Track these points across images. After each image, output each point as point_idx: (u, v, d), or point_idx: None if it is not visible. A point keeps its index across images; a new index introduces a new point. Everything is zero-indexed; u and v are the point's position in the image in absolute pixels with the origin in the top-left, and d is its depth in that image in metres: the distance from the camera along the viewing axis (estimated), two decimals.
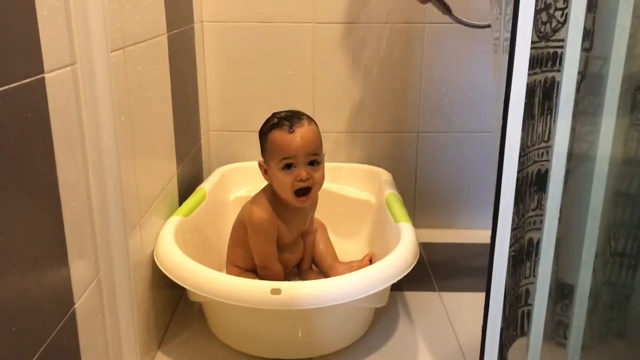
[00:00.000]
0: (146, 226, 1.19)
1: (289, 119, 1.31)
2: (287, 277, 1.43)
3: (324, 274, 1.47)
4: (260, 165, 1.36)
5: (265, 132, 1.33)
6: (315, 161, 1.31)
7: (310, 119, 1.33)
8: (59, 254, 0.80)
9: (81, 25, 0.83)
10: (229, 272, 1.42)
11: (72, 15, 0.81)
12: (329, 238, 1.54)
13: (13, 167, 0.68)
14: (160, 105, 1.29)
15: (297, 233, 1.42)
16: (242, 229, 1.39)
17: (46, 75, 0.75)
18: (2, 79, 0.65)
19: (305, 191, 1.31)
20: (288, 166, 1.29)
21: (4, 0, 0.66)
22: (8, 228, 0.67)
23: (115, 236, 0.93)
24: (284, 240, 1.38)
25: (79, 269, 0.85)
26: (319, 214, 1.57)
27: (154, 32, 1.23)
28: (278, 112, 1.35)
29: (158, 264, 1.22)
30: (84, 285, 0.87)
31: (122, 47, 1.03)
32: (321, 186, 1.35)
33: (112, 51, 0.92)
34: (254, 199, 1.38)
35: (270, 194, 1.37)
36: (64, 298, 0.82)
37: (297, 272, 1.50)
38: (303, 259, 1.49)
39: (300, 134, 1.28)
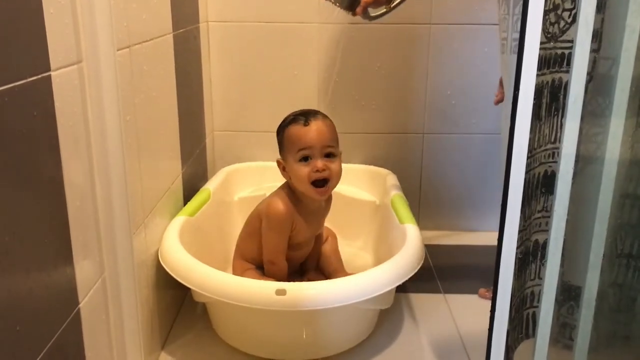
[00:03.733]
0: (151, 226, 1.19)
1: (305, 114, 1.34)
2: (290, 276, 1.43)
3: (327, 278, 1.46)
4: (278, 162, 1.37)
5: (281, 129, 1.36)
6: (331, 153, 1.32)
7: (325, 116, 1.36)
8: (63, 253, 0.80)
9: (87, 23, 0.82)
10: (235, 265, 1.43)
11: (79, 14, 0.81)
12: (337, 248, 1.54)
13: (19, 166, 0.68)
14: (165, 104, 1.29)
15: (311, 234, 1.42)
16: (257, 222, 1.40)
17: (52, 73, 0.75)
18: (9, 76, 0.65)
19: (323, 182, 1.32)
20: (305, 158, 1.31)
21: None
22: (13, 227, 0.66)
23: (120, 236, 0.93)
24: (297, 238, 1.38)
25: (83, 269, 0.85)
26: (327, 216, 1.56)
27: (159, 31, 1.23)
28: (293, 112, 1.37)
29: (162, 264, 1.22)
30: (89, 284, 0.87)
31: (128, 46, 1.02)
32: (339, 180, 1.35)
33: (118, 50, 0.92)
34: (274, 193, 1.40)
35: (288, 191, 1.37)
36: (69, 297, 0.81)
37: (299, 270, 1.49)
38: (308, 259, 1.48)
39: (316, 127, 1.31)
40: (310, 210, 1.38)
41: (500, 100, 1.37)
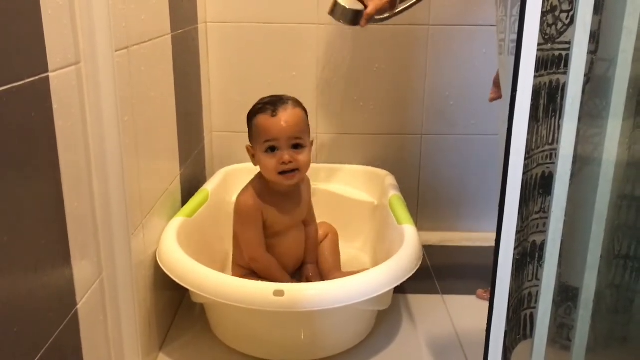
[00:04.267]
0: (149, 227, 1.19)
1: (273, 103, 1.32)
2: (292, 275, 1.42)
3: (323, 279, 1.46)
4: (248, 149, 1.37)
5: (250, 116, 1.35)
6: (299, 145, 1.31)
7: (297, 103, 1.33)
8: (61, 254, 0.80)
9: (86, 24, 0.82)
10: (233, 272, 1.42)
11: (77, 14, 0.81)
12: (337, 246, 1.53)
13: (17, 166, 0.68)
14: (163, 105, 1.29)
15: (291, 220, 1.40)
16: (234, 226, 1.40)
17: (50, 74, 0.75)
18: (7, 77, 0.65)
19: (290, 172, 1.31)
20: (272, 149, 1.30)
21: None
22: (11, 227, 0.66)
23: (118, 236, 0.93)
24: (275, 227, 1.37)
25: (81, 269, 0.85)
26: (325, 217, 1.56)
27: (158, 32, 1.23)
28: (265, 97, 1.36)
29: (161, 265, 1.21)
30: (87, 285, 0.87)
31: (126, 47, 1.02)
32: (307, 169, 1.35)
33: (116, 50, 0.92)
34: (241, 191, 1.39)
35: (257, 182, 1.37)
36: (67, 298, 0.81)
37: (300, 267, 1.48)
38: (306, 252, 1.47)
39: (284, 118, 1.29)
40: (283, 195, 1.37)
41: (494, 98, 1.37)
